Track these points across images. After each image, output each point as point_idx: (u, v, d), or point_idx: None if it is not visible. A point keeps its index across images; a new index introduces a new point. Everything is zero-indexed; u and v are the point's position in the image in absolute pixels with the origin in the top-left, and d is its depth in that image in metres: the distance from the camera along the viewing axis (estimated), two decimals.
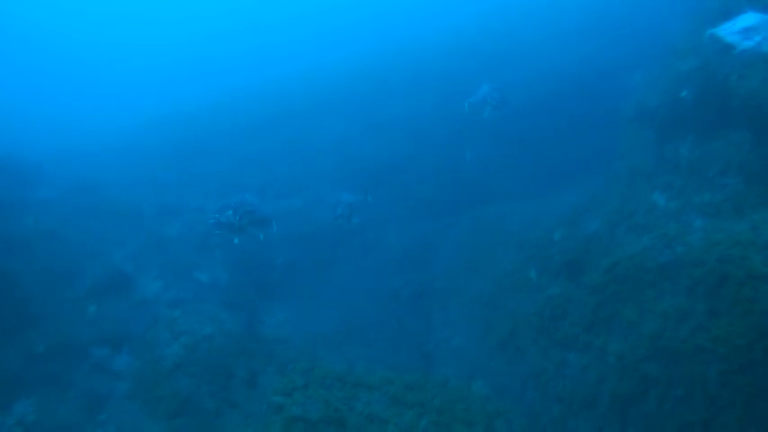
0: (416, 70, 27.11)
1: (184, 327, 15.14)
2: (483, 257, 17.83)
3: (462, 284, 17.56)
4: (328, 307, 18.25)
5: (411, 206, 21.16)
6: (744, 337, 10.16)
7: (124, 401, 14.05)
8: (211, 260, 19.02)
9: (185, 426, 13.23)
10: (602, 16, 24.30)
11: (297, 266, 19.70)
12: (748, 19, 9.81)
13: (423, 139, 23.29)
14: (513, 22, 27.93)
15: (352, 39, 38.46)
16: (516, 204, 19.36)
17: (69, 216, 19.53)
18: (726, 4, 14.05)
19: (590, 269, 13.95)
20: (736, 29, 9.93)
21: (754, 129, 13.17)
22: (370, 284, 18.86)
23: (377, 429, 12.04)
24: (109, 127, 32.83)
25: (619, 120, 18.00)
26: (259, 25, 54.85)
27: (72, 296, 16.22)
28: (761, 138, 13.02)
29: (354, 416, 12.27)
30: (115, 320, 15.73)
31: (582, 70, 22.27)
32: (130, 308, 16.35)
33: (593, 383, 12.39)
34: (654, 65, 17.30)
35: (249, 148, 25.11)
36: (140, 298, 16.85)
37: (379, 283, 18.79)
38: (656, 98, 16.14)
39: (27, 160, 23.29)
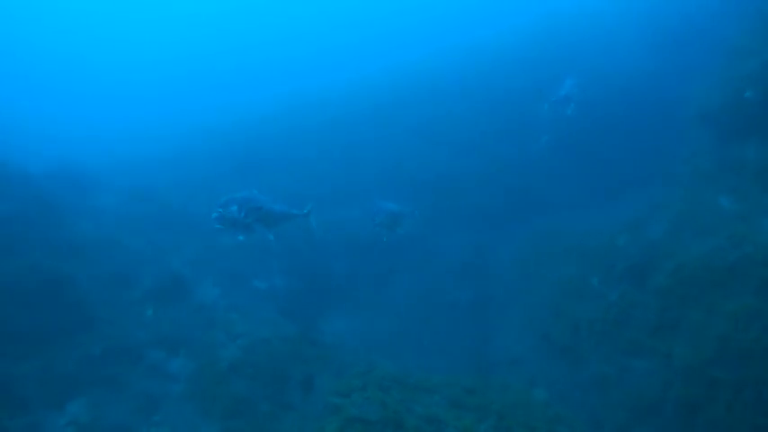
0: (471, 78, 27.52)
1: (241, 330, 15.64)
2: (542, 266, 18.07)
3: (521, 293, 17.84)
4: (386, 315, 18.68)
5: (469, 216, 21.57)
6: None
7: (179, 403, 14.49)
8: (269, 268, 19.59)
9: (240, 427, 13.62)
10: (658, 20, 24.41)
11: (354, 275, 20.21)
12: None
13: (479, 148, 23.73)
14: (567, 27, 28.14)
15: (404, 45, 38.95)
16: (576, 213, 19.61)
17: (127, 222, 20.38)
18: None
19: (655, 273, 14.10)
20: None
21: None
22: (427, 293, 19.28)
23: (436, 431, 12.19)
24: (160, 133, 33.85)
25: (679, 123, 18.17)
26: (309, 31, 55.61)
27: (129, 300, 16.89)
28: None
29: (413, 418, 12.50)
30: (172, 324, 16.30)
31: (639, 75, 22.43)
32: (188, 312, 16.93)
33: (658, 389, 12.52)
34: (714, 67, 17.45)
35: (305, 157, 25.77)
36: (198, 303, 17.44)
37: (437, 293, 19.19)
38: (717, 100, 16.35)
39: (85, 168, 24.29)
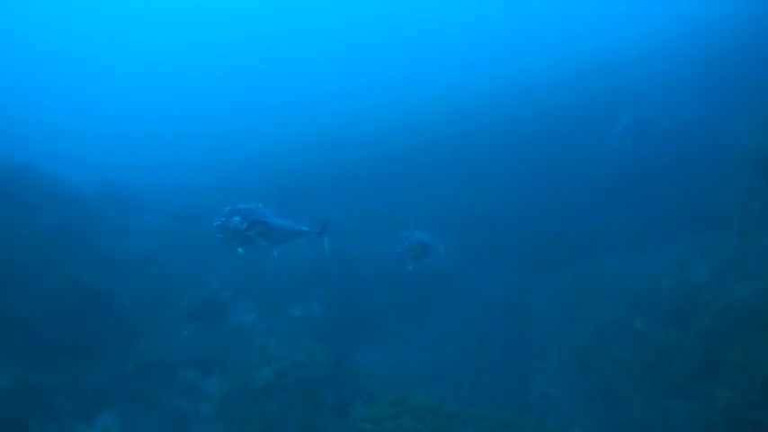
0: (518, 119, 27.99)
1: (276, 354, 15.97)
2: (584, 306, 18.20)
3: (561, 334, 17.93)
4: (421, 350, 18.95)
5: (510, 256, 21.78)
6: None
7: (209, 422, 14.83)
8: (307, 297, 20.00)
9: None
10: (708, 63, 24.70)
11: (392, 308, 20.53)
12: None
13: (523, 189, 24.06)
14: (619, 68, 28.56)
15: (452, 78, 39.55)
16: (620, 257, 19.59)
17: (169, 244, 21.13)
18: None
19: (699, 315, 14.16)
20: None
21: None
22: (464, 330, 19.50)
23: None
24: (206, 158, 34.81)
25: (729, 166, 18.34)
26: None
27: (166, 319, 17.50)
28: None
29: None
30: (207, 345, 16.80)
31: (689, 117, 22.71)
32: (223, 334, 17.45)
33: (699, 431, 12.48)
34: (766, 110, 17.64)
35: (348, 190, 26.42)
36: (234, 326, 17.94)
37: (474, 329, 19.44)
38: None
39: (131, 189, 25.22)
